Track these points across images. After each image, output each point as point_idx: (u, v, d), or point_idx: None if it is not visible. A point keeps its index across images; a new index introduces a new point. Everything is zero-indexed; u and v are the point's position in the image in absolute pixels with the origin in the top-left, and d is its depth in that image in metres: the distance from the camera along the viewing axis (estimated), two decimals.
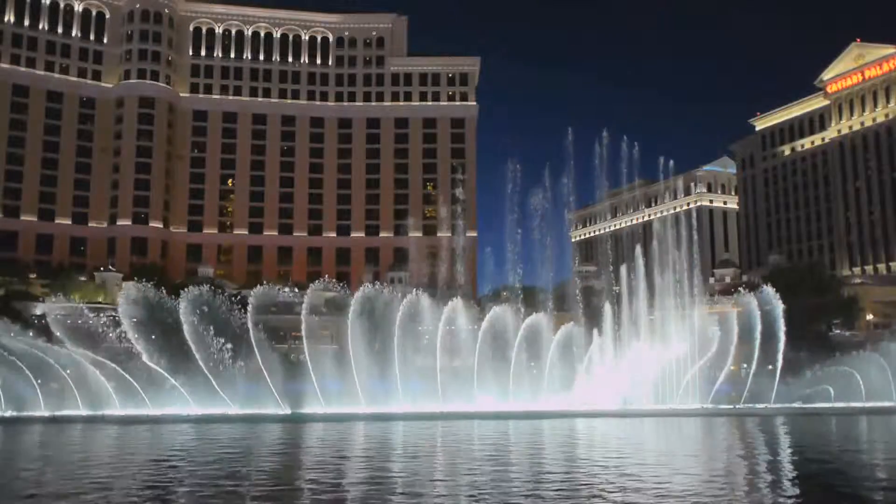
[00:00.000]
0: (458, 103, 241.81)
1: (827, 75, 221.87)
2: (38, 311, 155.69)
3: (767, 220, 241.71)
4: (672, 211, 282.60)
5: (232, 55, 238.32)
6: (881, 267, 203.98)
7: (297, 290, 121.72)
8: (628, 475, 36.93)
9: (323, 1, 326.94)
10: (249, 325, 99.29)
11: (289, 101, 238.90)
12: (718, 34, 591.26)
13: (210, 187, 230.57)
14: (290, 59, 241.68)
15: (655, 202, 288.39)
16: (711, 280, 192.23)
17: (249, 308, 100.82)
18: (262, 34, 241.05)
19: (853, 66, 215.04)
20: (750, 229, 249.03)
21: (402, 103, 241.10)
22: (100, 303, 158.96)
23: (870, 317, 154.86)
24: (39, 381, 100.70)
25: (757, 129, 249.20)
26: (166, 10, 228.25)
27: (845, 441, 60.14)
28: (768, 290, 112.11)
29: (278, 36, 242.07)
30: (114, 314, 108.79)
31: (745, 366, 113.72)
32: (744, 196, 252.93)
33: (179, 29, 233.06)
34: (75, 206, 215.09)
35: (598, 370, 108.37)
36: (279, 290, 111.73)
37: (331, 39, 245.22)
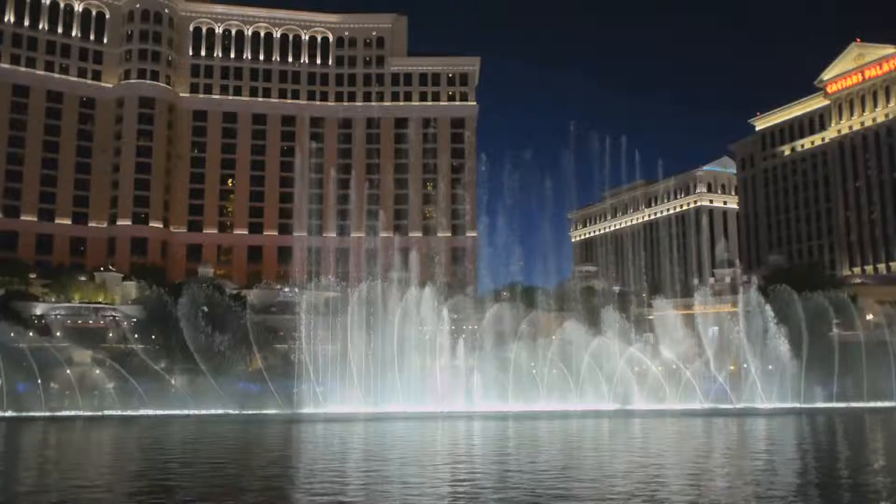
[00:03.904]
0: (458, 103, 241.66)
1: (827, 75, 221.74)
2: (37, 311, 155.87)
3: (767, 220, 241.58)
4: (672, 211, 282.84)
5: (232, 55, 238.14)
6: (881, 267, 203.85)
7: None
8: None
9: (323, 1, 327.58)
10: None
11: (289, 101, 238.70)
12: (718, 34, 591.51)
13: (210, 187, 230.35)
14: (290, 59, 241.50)
15: (656, 202, 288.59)
16: (711, 280, 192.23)
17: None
18: (262, 34, 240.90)
19: (853, 66, 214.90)
20: (750, 229, 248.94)
21: (402, 103, 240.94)
22: None
23: (870, 317, 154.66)
24: None
25: (757, 129, 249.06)
26: (166, 10, 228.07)
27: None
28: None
29: (278, 36, 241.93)
30: None
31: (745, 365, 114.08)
32: (744, 196, 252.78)
33: (179, 29, 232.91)
34: (75, 206, 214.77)
35: None
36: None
37: (331, 39, 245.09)
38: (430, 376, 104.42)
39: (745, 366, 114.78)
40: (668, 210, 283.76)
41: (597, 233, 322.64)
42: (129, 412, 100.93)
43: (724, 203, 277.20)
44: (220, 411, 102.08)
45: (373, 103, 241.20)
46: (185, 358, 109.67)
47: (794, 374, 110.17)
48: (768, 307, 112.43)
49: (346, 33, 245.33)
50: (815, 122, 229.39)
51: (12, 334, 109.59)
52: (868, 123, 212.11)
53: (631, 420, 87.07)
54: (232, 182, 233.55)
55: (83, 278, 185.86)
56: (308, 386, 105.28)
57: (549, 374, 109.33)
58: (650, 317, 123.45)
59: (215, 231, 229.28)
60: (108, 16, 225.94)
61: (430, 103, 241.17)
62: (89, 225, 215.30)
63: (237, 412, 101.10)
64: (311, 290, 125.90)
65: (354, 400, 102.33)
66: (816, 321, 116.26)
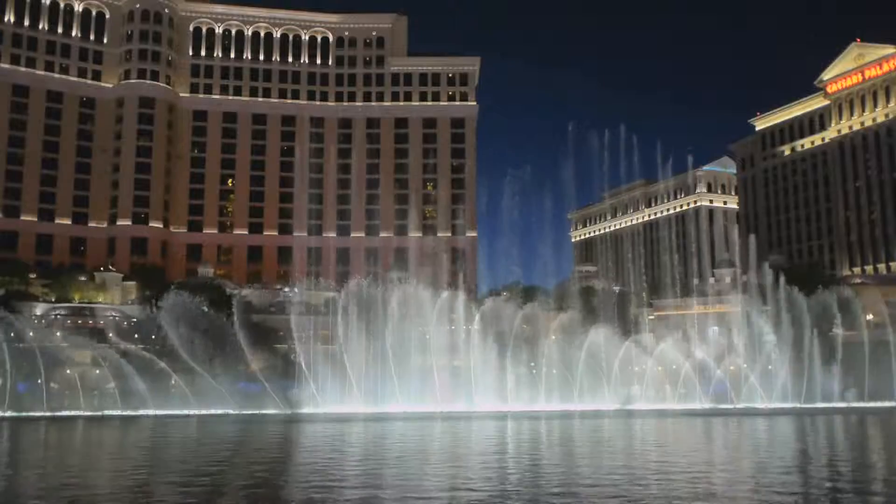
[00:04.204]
0: (458, 103, 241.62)
1: (827, 75, 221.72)
2: (38, 311, 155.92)
3: (767, 220, 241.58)
4: (672, 211, 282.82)
5: (232, 55, 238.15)
6: (881, 267, 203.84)
7: None
8: None
9: (323, 1, 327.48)
10: None
11: (289, 101, 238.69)
12: (718, 34, 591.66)
13: (210, 187, 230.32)
14: (290, 59, 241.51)
15: (656, 202, 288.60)
16: (711, 280, 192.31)
17: None
18: (262, 34, 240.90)
19: (853, 66, 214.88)
20: (750, 229, 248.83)
21: (402, 103, 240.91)
22: None
23: (870, 317, 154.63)
24: None
25: (757, 129, 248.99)
26: (166, 10, 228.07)
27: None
28: None
29: (278, 36, 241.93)
30: None
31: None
32: (744, 196, 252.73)
33: (179, 29, 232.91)
34: (75, 206, 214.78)
35: None
36: None
37: (331, 39, 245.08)
38: (459, 375, 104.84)
39: (744, 366, 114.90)
40: (667, 210, 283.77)
41: (597, 233, 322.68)
42: (128, 412, 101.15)
43: (724, 203, 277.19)
44: (220, 411, 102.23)
45: (373, 103, 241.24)
46: (185, 358, 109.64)
47: (794, 374, 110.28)
48: (769, 307, 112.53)
49: (346, 33, 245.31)
50: (815, 122, 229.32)
51: (12, 333, 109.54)
52: (868, 123, 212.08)
53: (634, 419, 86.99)
54: (232, 182, 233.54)
55: (83, 278, 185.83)
56: (307, 386, 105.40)
57: (547, 375, 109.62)
58: (650, 317, 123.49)
59: (215, 231, 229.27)
60: (108, 16, 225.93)
61: (430, 103, 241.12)
62: (89, 225, 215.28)
63: (237, 412, 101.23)
64: (310, 291, 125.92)
65: (355, 400, 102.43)
66: (818, 321, 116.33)
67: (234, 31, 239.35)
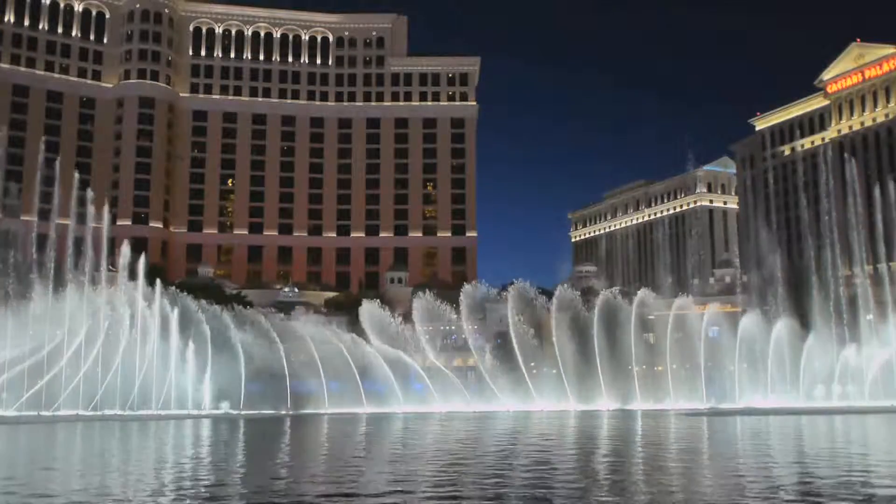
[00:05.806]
0: (458, 103, 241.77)
1: (827, 75, 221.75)
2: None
3: (767, 220, 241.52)
4: (672, 211, 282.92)
5: (232, 55, 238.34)
6: (881, 267, 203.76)
7: None
8: None
9: (323, 1, 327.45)
10: None
11: (289, 101, 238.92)
12: (719, 34, 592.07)
13: (210, 187, 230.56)
14: (290, 59, 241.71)
15: (655, 202, 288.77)
16: (711, 280, 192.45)
17: None
18: (262, 34, 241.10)
19: (853, 66, 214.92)
20: (750, 229, 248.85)
21: (402, 103, 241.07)
22: None
23: (869, 317, 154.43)
24: None
25: (757, 129, 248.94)
26: (166, 10, 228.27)
27: None
28: None
29: (278, 36, 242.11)
30: None
31: None
32: (743, 196, 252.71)
33: (179, 29, 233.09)
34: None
35: None
36: None
37: (331, 39, 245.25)
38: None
39: (744, 366, 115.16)
40: (667, 210, 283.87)
41: (597, 233, 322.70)
42: (127, 411, 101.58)
43: (724, 203, 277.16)
44: (220, 411, 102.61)
45: (373, 103, 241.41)
46: None
47: (794, 373, 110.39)
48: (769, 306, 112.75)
49: (346, 33, 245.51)
50: (815, 122, 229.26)
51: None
52: (868, 123, 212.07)
53: (642, 419, 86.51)
54: (232, 182, 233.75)
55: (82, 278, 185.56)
56: (318, 386, 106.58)
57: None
58: (650, 316, 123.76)
59: (215, 231, 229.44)
60: (108, 16, 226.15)
61: (430, 103, 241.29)
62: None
63: (237, 412, 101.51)
64: (311, 291, 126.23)
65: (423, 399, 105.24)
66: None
67: (233, 31, 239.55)
